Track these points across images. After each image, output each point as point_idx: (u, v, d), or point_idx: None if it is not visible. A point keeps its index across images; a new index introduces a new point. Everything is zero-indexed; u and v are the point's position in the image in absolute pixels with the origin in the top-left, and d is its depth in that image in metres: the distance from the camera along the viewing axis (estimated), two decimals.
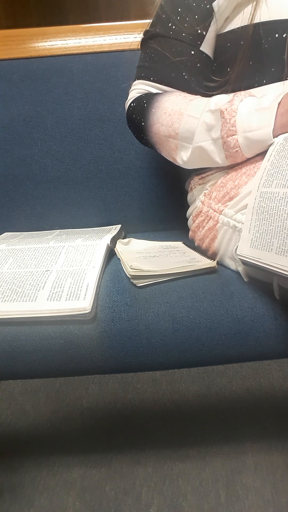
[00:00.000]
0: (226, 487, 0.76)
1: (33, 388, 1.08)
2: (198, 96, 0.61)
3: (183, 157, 0.61)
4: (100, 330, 0.47)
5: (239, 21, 0.58)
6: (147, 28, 0.66)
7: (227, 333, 0.47)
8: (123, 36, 0.86)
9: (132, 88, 0.68)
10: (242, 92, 0.55)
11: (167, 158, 0.66)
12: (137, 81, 0.67)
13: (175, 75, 0.62)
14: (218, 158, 0.56)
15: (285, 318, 0.47)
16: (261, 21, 0.56)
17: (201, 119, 0.56)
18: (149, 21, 0.67)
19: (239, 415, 0.94)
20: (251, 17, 0.56)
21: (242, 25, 0.58)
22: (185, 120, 0.58)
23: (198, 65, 0.62)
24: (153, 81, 0.64)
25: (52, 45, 0.86)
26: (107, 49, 0.86)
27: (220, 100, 0.55)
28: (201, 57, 0.62)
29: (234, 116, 0.52)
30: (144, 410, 0.97)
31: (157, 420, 0.94)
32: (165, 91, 0.63)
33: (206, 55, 0.62)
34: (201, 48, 0.61)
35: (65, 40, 0.86)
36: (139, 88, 0.66)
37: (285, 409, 0.95)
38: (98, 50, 0.86)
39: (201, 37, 0.60)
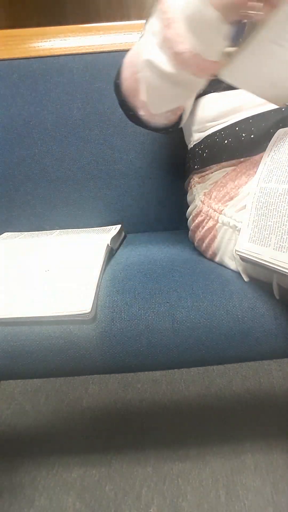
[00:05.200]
0: (226, 487, 0.76)
1: (33, 388, 1.08)
2: None
3: (144, 90, 0.51)
4: (100, 330, 0.47)
5: None
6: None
7: (227, 333, 0.47)
8: (123, 36, 0.86)
9: None
10: None
11: (141, 112, 0.56)
12: None
13: None
14: (169, 67, 0.45)
15: (285, 318, 0.47)
16: None
17: (146, 31, 0.47)
18: None
19: (239, 415, 0.94)
20: None
21: None
22: (140, 42, 0.50)
23: None
24: None
25: (52, 45, 0.86)
26: (107, 49, 0.86)
27: None
28: None
29: (166, 1, 0.43)
30: (144, 410, 0.97)
31: (157, 420, 0.94)
32: None
33: None
34: None
35: (65, 40, 0.86)
36: None
37: (285, 409, 0.95)
38: (98, 50, 0.86)
39: None
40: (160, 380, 1.08)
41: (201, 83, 0.47)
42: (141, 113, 0.55)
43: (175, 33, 0.42)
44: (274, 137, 0.50)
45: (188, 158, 0.73)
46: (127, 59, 0.54)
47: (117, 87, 0.57)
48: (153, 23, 0.46)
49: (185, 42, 0.42)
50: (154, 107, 0.54)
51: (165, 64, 0.45)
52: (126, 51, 0.86)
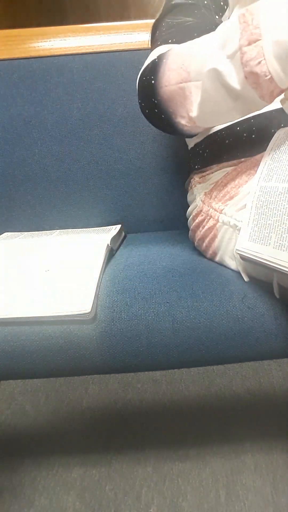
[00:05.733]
0: (226, 487, 0.76)
1: (33, 388, 1.08)
2: None
3: (197, 100, 0.47)
4: (100, 330, 0.47)
5: None
6: (158, 14, 0.61)
7: (227, 333, 0.47)
8: (123, 36, 0.86)
9: (147, 59, 0.57)
10: None
11: (182, 121, 0.52)
12: (152, 51, 0.57)
13: (198, 35, 0.50)
14: (236, 82, 0.41)
15: (285, 318, 0.47)
16: None
17: (215, 35, 0.43)
18: (149, 21, 0.66)
19: (239, 415, 0.94)
20: None
21: None
22: (197, 50, 0.45)
23: None
24: (172, 43, 0.53)
25: (52, 45, 0.86)
26: (107, 49, 0.86)
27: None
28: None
29: (257, 13, 0.38)
30: (144, 410, 0.97)
31: (157, 420, 0.94)
32: None
33: None
34: (222, 19, 0.55)
35: (65, 40, 0.86)
36: (155, 54, 0.54)
37: (285, 409, 0.95)
38: (98, 50, 0.86)
39: (223, 10, 0.55)
40: (160, 380, 1.08)
41: (262, 106, 0.44)
42: (183, 122, 0.52)
43: (259, 52, 0.38)
44: (274, 136, 0.50)
45: (189, 158, 0.73)
46: (175, 60, 0.48)
47: (152, 87, 0.51)
48: (227, 30, 0.42)
49: (266, 65, 0.39)
50: (202, 121, 0.50)
51: (233, 78, 0.42)
52: (126, 51, 0.86)
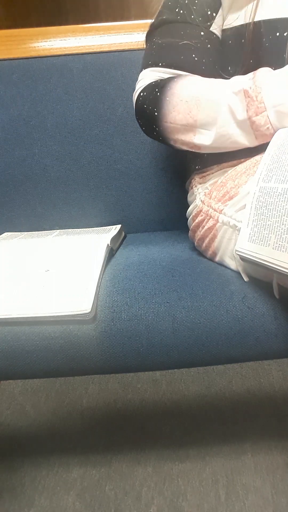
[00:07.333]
0: (226, 487, 0.76)
1: (33, 388, 1.08)
2: (212, 79, 0.58)
3: (204, 142, 0.57)
4: (100, 330, 0.47)
5: (241, 18, 0.58)
6: (152, 22, 0.64)
7: (227, 333, 0.47)
8: (123, 36, 0.86)
9: (140, 77, 0.63)
10: (261, 69, 0.53)
11: (180, 147, 0.61)
12: (144, 70, 0.62)
13: (184, 57, 0.58)
14: (246, 141, 0.54)
15: (285, 318, 0.47)
16: (263, 19, 0.56)
17: (223, 102, 0.53)
18: (149, 21, 0.67)
19: (239, 415, 0.94)
20: (252, 14, 0.56)
21: (243, 22, 0.57)
22: (203, 105, 0.54)
23: (209, 46, 0.59)
24: (162, 66, 0.59)
25: (52, 45, 0.86)
26: (107, 49, 0.86)
27: (240, 80, 0.53)
28: (211, 37, 0.59)
29: (260, 93, 0.50)
30: (144, 410, 0.97)
31: (157, 420, 0.94)
32: (178, 75, 0.58)
33: (217, 36, 0.60)
34: (211, 29, 0.59)
35: (65, 40, 0.86)
36: (148, 76, 0.61)
37: (285, 409, 0.95)
38: (98, 50, 0.86)
39: (211, 18, 0.59)
40: (160, 380, 1.08)
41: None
42: (184, 148, 0.60)
43: (266, 120, 0.51)
44: (274, 136, 0.50)
45: (189, 158, 0.73)
46: (181, 105, 0.56)
47: (154, 118, 0.59)
48: (233, 101, 0.52)
49: (272, 128, 0.51)
50: (207, 150, 0.59)
51: (243, 139, 0.55)
52: (126, 51, 0.86)
